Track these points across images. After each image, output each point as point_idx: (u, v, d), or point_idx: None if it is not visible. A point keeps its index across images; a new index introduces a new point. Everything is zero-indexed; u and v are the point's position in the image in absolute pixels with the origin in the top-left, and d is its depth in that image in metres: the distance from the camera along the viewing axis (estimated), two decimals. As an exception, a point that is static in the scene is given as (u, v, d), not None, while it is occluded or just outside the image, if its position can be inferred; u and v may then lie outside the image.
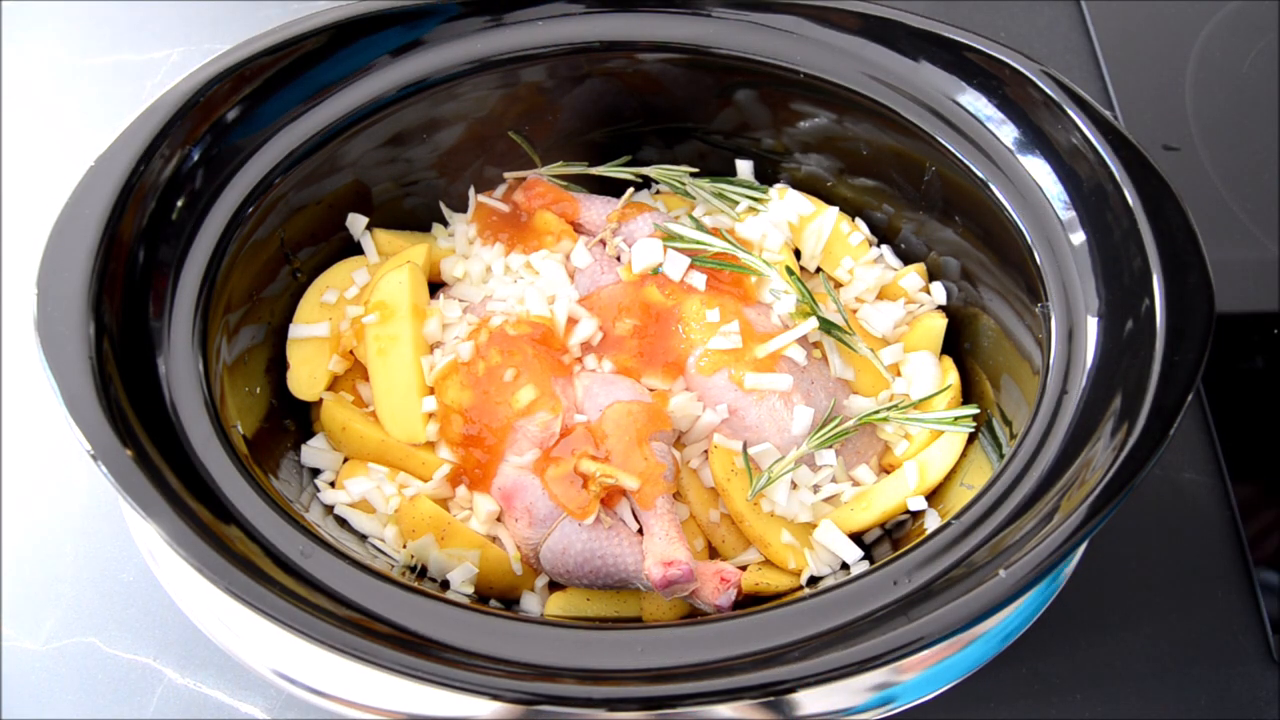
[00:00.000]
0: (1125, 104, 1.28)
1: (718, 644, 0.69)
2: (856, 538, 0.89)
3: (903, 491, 0.89)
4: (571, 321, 0.94)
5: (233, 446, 0.77)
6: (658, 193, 1.07)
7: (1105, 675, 0.91)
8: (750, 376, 0.89)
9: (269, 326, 0.94)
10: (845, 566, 0.87)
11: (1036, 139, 0.88)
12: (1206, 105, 1.27)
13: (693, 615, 0.85)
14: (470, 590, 0.86)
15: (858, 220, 1.03)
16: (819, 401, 0.92)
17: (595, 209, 1.03)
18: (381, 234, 1.01)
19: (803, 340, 0.92)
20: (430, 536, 0.85)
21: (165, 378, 0.78)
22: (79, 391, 0.72)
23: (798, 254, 1.03)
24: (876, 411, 0.92)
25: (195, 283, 0.84)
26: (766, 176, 1.06)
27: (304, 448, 0.92)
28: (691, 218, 1.00)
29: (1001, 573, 0.68)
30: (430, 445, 0.91)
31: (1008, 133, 0.89)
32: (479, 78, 0.96)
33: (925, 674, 0.76)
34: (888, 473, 0.93)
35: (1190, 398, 0.73)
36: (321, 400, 0.94)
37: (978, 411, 0.91)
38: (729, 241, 0.96)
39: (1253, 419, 1.05)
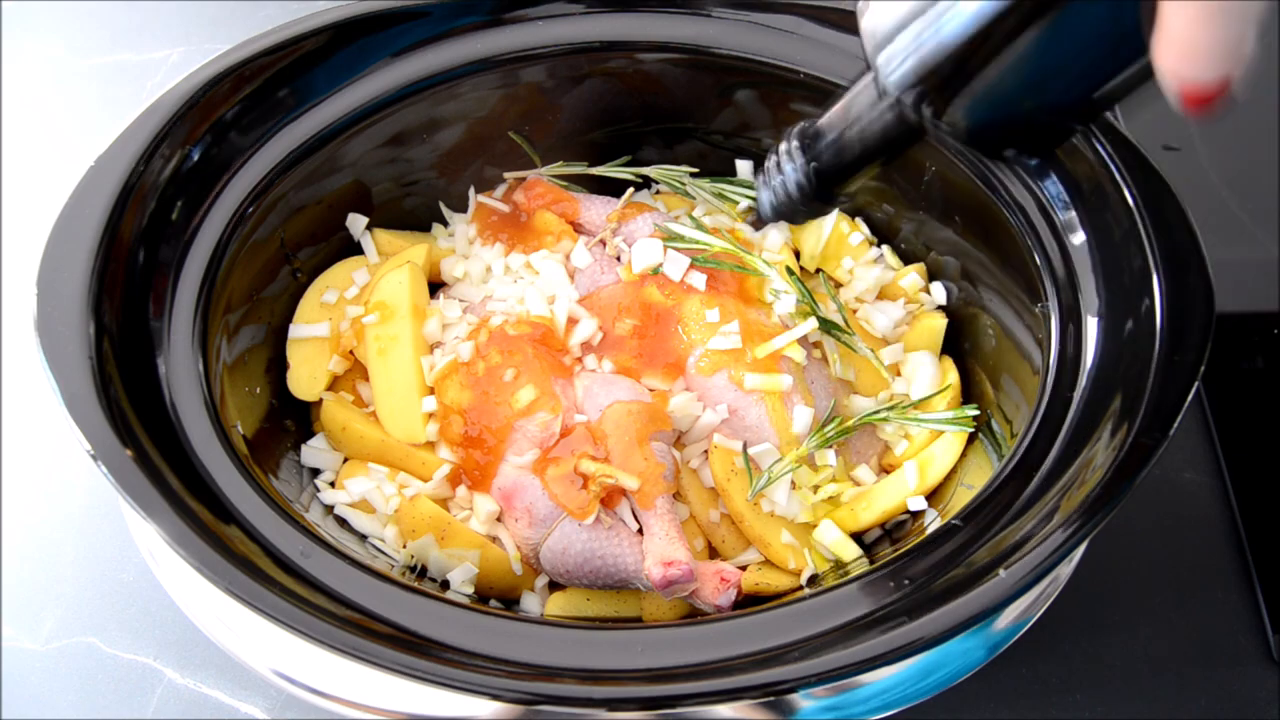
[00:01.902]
0: (1125, 103, 1.27)
1: (718, 644, 0.69)
2: (856, 538, 0.89)
3: (903, 491, 0.89)
4: (571, 321, 0.94)
5: (233, 446, 0.77)
6: (658, 193, 1.07)
7: (1105, 675, 0.91)
8: (750, 376, 0.89)
9: (269, 326, 0.94)
10: (845, 566, 0.87)
11: (1036, 139, 0.88)
12: (1206, 105, 1.27)
13: (693, 615, 0.85)
14: (470, 590, 0.86)
15: (858, 220, 1.03)
16: (819, 401, 0.92)
17: (595, 209, 1.03)
18: (381, 234, 1.01)
19: (803, 340, 0.92)
20: (430, 536, 0.85)
21: (165, 378, 0.78)
22: (79, 391, 0.72)
23: (797, 254, 1.03)
24: (876, 411, 0.92)
25: (195, 283, 0.84)
26: (767, 176, 1.06)
27: (304, 448, 0.92)
28: (691, 218, 1.00)
29: (1001, 573, 0.68)
30: (430, 445, 0.91)
31: (1008, 133, 0.89)
32: (479, 78, 0.97)
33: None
34: (888, 473, 0.93)
35: (1190, 398, 0.73)
36: (321, 400, 0.94)
37: (978, 411, 0.91)
38: (729, 241, 0.96)
39: (1253, 419, 1.05)
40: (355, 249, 1.01)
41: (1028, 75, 0.55)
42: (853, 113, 0.66)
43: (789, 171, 0.70)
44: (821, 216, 0.72)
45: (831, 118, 0.68)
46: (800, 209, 0.72)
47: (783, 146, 0.71)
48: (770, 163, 0.73)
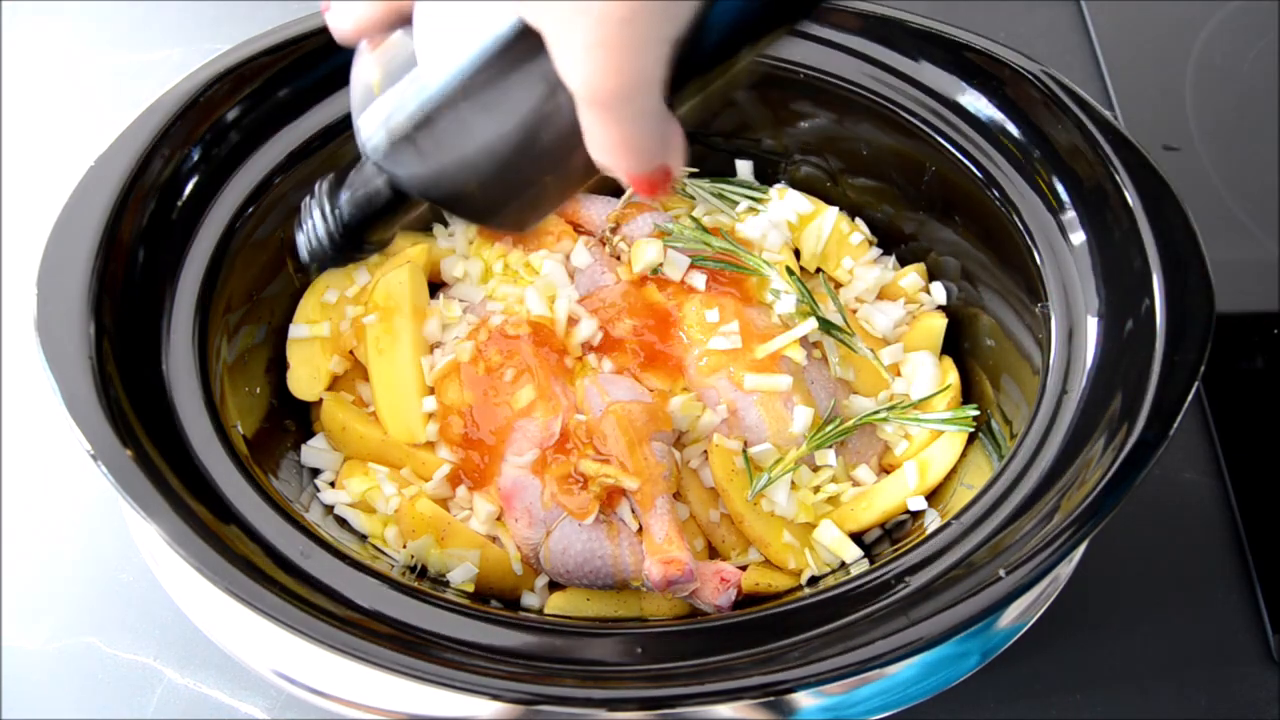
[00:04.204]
0: (1125, 104, 1.28)
1: (718, 644, 0.69)
2: (856, 538, 0.89)
3: (903, 491, 0.89)
4: (571, 321, 0.94)
5: (233, 446, 0.77)
6: (657, 193, 1.07)
7: (1105, 675, 0.91)
8: (750, 377, 0.89)
9: (269, 326, 0.94)
10: (845, 566, 0.87)
11: (1036, 139, 0.88)
12: (1206, 105, 1.27)
13: (693, 615, 0.85)
14: (470, 590, 0.86)
15: (858, 220, 1.03)
16: (819, 401, 0.92)
17: (595, 209, 1.03)
18: (381, 234, 1.01)
19: (803, 340, 0.92)
20: (430, 536, 0.85)
21: (165, 378, 0.78)
22: (79, 391, 0.72)
23: (797, 254, 1.03)
24: (876, 411, 0.92)
25: (195, 283, 0.83)
26: (766, 176, 1.06)
27: (304, 448, 0.92)
28: (692, 218, 1.00)
29: (1002, 573, 0.68)
30: (430, 445, 0.91)
31: (1008, 133, 0.89)
32: (479, 78, 0.96)
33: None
34: (888, 473, 0.93)
35: (1190, 398, 0.73)
36: (321, 400, 0.94)
37: (978, 412, 0.91)
38: (729, 241, 0.96)
39: (1253, 419, 1.05)
40: (355, 249, 1.01)
41: (471, 159, 0.59)
42: (359, 170, 0.67)
43: (317, 219, 0.69)
44: (357, 261, 0.75)
45: (351, 170, 0.68)
46: (330, 255, 0.70)
47: (316, 187, 0.70)
48: (303, 207, 0.70)
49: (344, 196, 0.67)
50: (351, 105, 0.62)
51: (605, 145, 0.55)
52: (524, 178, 0.60)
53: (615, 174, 0.57)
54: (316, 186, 0.69)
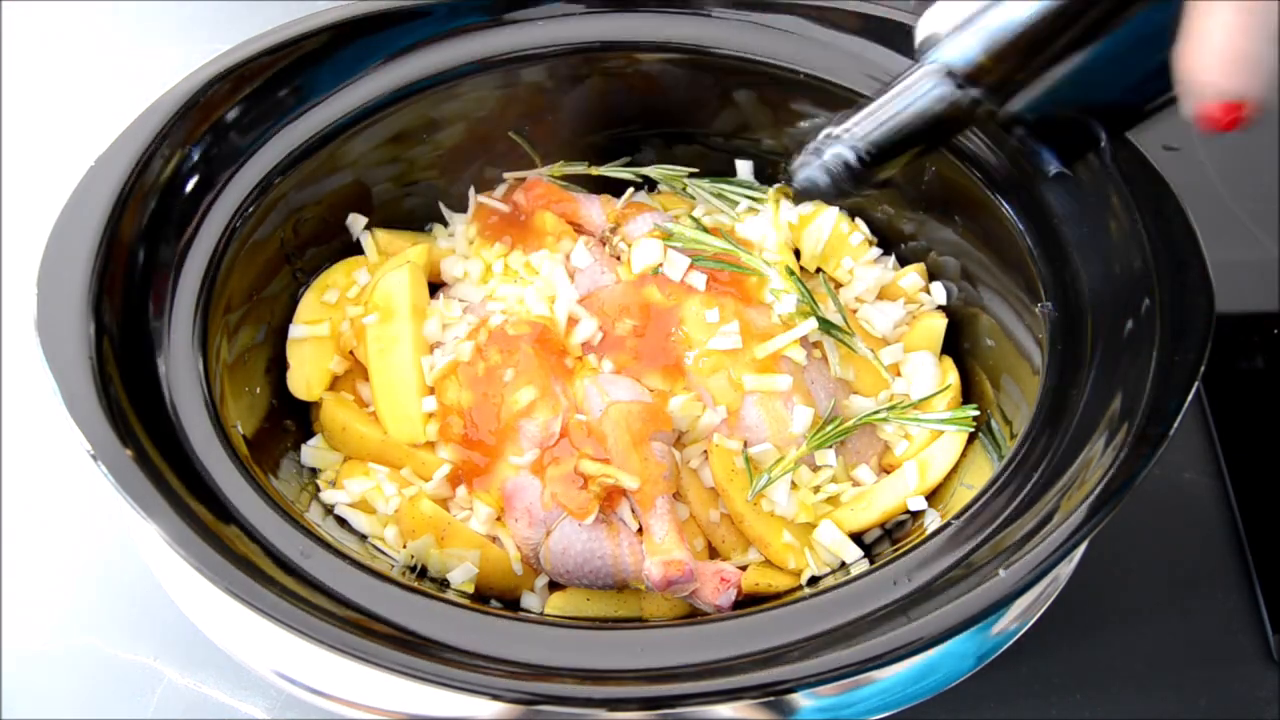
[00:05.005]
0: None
1: (718, 644, 0.69)
2: (856, 538, 0.89)
3: (903, 491, 0.89)
4: (571, 321, 0.94)
5: (233, 446, 0.77)
6: (658, 193, 1.07)
7: (1105, 675, 0.91)
8: (750, 377, 0.89)
9: (269, 326, 0.94)
10: (845, 566, 0.87)
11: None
12: (1206, 105, 1.27)
13: (693, 615, 0.85)
14: (470, 590, 0.86)
15: (858, 220, 1.03)
16: (819, 401, 0.92)
17: (595, 209, 1.03)
18: (381, 234, 1.01)
19: (803, 340, 0.92)
20: (430, 536, 0.85)
21: (165, 378, 0.78)
22: (79, 391, 0.72)
23: (798, 254, 1.03)
24: (876, 411, 0.92)
25: (195, 283, 0.84)
26: (766, 176, 1.06)
27: (304, 448, 0.92)
28: (691, 218, 1.00)
29: (1001, 573, 0.68)
30: (430, 445, 0.91)
31: (1008, 133, 0.89)
32: (479, 78, 0.96)
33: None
34: (888, 473, 0.93)
35: (1190, 398, 0.73)
36: (321, 400, 0.94)
37: (978, 411, 0.91)
38: (729, 241, 0.96)
39: (1253, 419, 1.05)
40: (356, 249, 1.01)
41: (1071, 67, 0.68)
42: (904, 99, 0.74)
43: (837, 150, 0.76)
44: (849, 198, 0.89)
45: (881, 104, 0.75)
46: (841, 188, 0.78)
47: (827, 130, 0.77)
48: (813, 143, 0.78)
49: (872, 126, 0.75)
50: (930, 33, 0.72)
51: (1225, 54, 0.56)
52: (1101, 89, 0.71)
53: (1195, 91, 0.59)
54: (832, 123, 0.77)
